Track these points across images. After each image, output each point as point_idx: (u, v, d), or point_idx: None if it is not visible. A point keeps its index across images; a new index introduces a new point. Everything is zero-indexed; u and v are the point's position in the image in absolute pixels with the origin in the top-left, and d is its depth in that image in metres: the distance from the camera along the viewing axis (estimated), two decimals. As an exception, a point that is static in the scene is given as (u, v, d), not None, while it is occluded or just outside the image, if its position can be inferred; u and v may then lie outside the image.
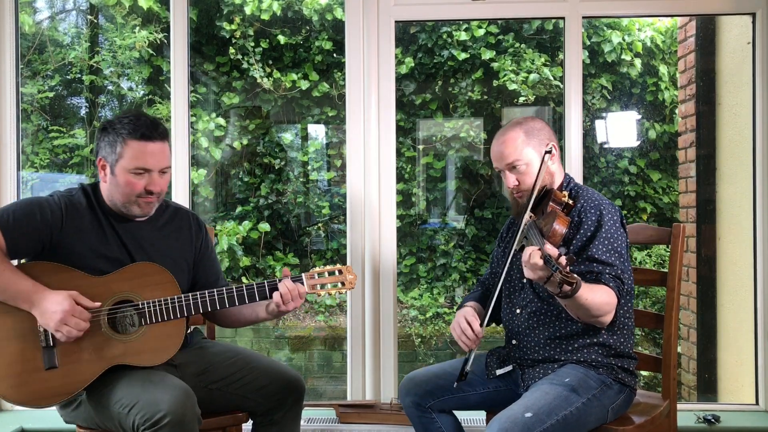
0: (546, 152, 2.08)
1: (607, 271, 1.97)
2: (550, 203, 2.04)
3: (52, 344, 1.92)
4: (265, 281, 2.08)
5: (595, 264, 1.98)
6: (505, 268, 2.05)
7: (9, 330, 1.92)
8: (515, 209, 2.16)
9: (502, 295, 2.20)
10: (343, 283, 2.14)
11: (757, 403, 3.07)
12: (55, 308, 1.87)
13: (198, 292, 2.05)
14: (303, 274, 2.11)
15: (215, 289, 2.06)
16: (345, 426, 2.89)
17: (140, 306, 1.99)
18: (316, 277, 2.13)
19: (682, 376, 4.15)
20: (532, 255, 1.78)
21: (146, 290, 2.00)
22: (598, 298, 1.90)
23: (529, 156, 2.09)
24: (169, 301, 2.01)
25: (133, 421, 1.84)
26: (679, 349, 4.09)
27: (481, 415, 2.27)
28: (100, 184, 2.09)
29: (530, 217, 1.99)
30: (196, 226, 2.25)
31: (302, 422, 2.27)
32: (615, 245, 2.00)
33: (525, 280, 2.11)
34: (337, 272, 2.14)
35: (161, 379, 1.93)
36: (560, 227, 1.91)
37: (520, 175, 2.10)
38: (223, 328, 3.00)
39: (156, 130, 2.02)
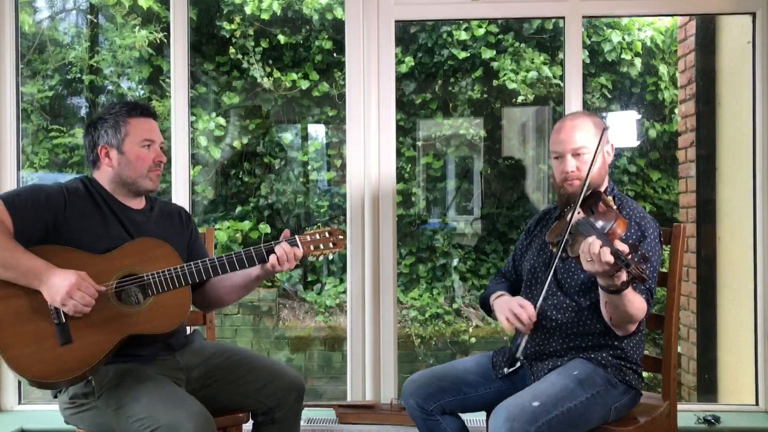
0: (609, 155, 2.13)
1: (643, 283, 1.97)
2: (600, 203, 2.03)
3: (64, 320, 1.95)
4: (262, 245, 2.13)
5: None
6: (554, 263, 2.04)
7: (22, 312, 1.94)
8: (563, 197, 2.13)
9: (524, 286, 2.22)
10: (334, 243, 2.20)
11: (757, 403, 3.07)
12: (61, 282, 1.90)
13: (199, 260, 2.10)
14: (297, 237, 2.17)
15: (215, 257, 2.11)
16: (345, 426, 2.89)
17: (145, 278, 2.04)
18: (308, 238, 2.18)
19: (682, 376, 4.15)
20: (600, 247, 1.75)
21: (149, 264, 2.06)
22: (637, 302, 1.92)
23: (593, 146, 2.08)
24: (173, 270, 2.06)
25: None
26: (679, 350, 4.09)
27: (482, 416, 2.27)
28: (95, 174, 2.17)
29: (579, 213, 1.98)
30: (185, 215, 2.35)
31: (302, 422, 2.28)
32: (652, 260, 2.01)
33: (549, 273, 2.11)
34: (327, 233, 2.21)
35: (182, 403, 1.94)
36: (620, 230, 1.88)
37: (581, 162, 2.09)
38: (223, 330, 3.02)
39: (149, 108, 2.20)
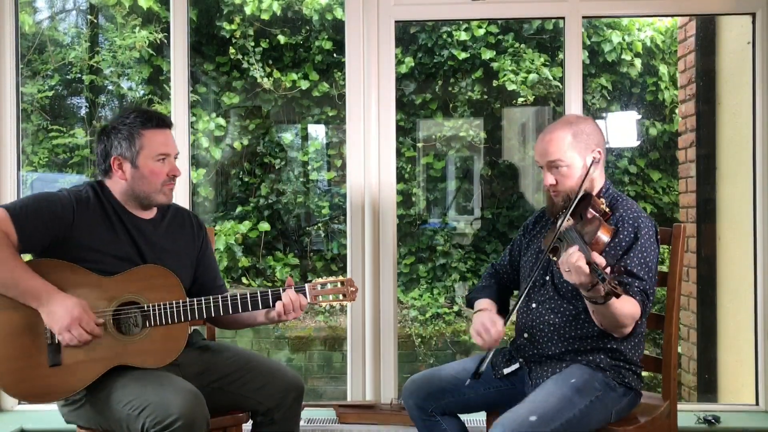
0: (592, 159, 2.07)
1: (636, 284, 1.96)
2: (589, 209, 2.01)
3: (57, 342, 1.92)
4: (269, 290, 2.11)
5: (626, 276, 1.97)
6: (536, 270, 2.03)
7: (15, 326, 1.92)
8: (550, 207, 2.15)
9: (521, 285, 2.22)
10: (344, 295, 2.17)
11: (757, 403, 3.07)
12: (63, 313, 1.88)
13: (203, 298, 2.07)
14: (306, 285, 2.14)
15: (219, 296, 2.08)
16: (345, 426, 2.89)
17: (145, 308, 2.01)
18: (319, 288, 2.16)
19: (682, 376, 4.15)
20: (578, 258, 1.75)
21: (152, 293, 2.02)
22: (626, 309, 1.90)
23: (571, 159, 2.07)
24: (174, 304, 2.02)
25: (142, 424, 1.85)
26: (679, 350, 4.09)
27: (482, 416, 2.27)
28: (107, 182, 2.12)
29: (569, 221, 1.97)
30: (197, 225, 2.29)
31: (302, 423, 2.28)
32: (647, 260, 2.00)
33: (547, 278, 2.12)
34: (339, 284, 2.18)
35: (170, 382, 1.93)
36: (604, 236, 1.89)
37: (559, 176, 2.08)
38: (223, 330, 3.04)
39: (165, 119, 2.13)
